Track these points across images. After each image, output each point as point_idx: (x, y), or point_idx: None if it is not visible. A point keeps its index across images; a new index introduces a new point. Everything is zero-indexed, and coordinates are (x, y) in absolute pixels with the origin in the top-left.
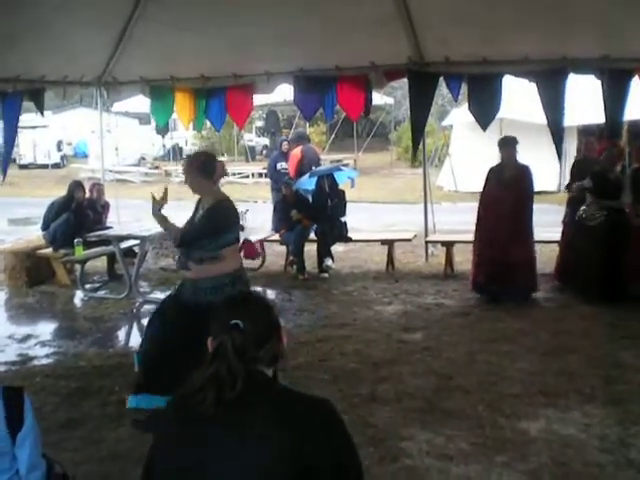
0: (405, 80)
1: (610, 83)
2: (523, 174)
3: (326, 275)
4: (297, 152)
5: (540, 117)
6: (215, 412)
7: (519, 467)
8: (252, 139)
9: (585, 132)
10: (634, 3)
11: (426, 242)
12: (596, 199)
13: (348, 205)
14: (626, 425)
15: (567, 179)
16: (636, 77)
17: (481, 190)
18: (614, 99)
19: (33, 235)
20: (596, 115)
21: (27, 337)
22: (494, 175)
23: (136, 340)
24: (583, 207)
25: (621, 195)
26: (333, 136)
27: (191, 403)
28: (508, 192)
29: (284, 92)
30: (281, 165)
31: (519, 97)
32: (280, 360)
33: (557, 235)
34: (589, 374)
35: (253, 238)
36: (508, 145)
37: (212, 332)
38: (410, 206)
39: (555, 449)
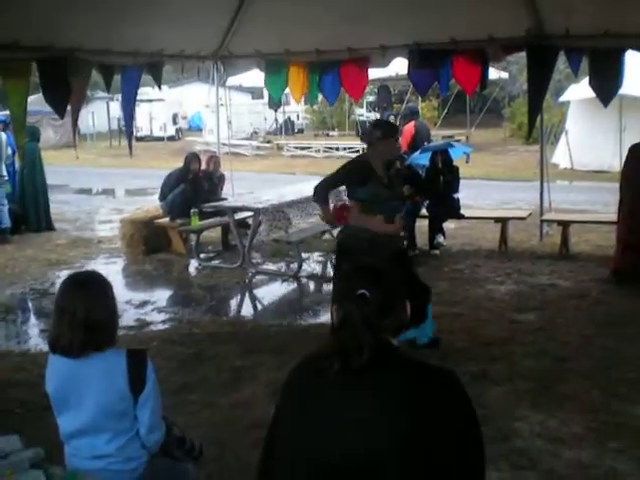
0: (521, 54)
1: None
2: None
3: (437, 252)
4: (410, 127)
5: None
6: (342, 379)
7: (634, 454)
8: (363, 114)
9: None
10: None
11: (541, 221)
12: None
13: (462, 182)
14: None
15: None
16: None
17: (622, 169)
18: None
19: (151, 205)
20: None
21: (144, 303)
22: (635, 153)
23: (248, 309)
24: None
25: None
26: (445, 111)
27: (318, 369)
28: None
29: (396, 66)
30: None
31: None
32: (405, 329)
33: None
34: None
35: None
36: None
37: (337, 299)
38: (524, 184)
39: None
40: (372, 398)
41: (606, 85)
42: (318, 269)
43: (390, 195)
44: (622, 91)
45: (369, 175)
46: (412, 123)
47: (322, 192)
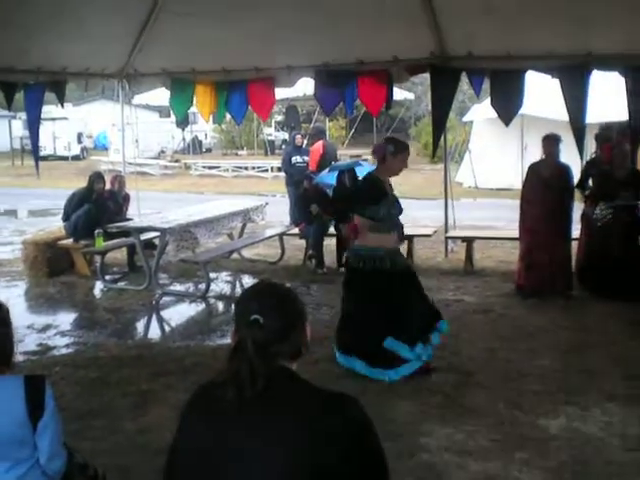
0: (425, 75)
1: (634, 80)
2: (563, 172)
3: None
4: (319, 146)
5: (562, 114)
6: (236, 409)
7: (539, 464)
8: (271, 133)
9: (602, 132)
10: None
11: (446, 238)
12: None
13: None
14: None
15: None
16: None
17: (522, 187)
18: (638, 97)
19: (54, 226)
20: (617, 113)
21: (47, 327)
22: (534, 172)
23: (155, 331)
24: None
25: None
26: (353, 131)
27: (214, 397)
28: (549, 191)
29: (303, 86)
30: (296, 159)
31: (541, 93)
32: (304, 352)
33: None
34: (609, 372)
35: (272, 232)
36: (550, 142)
37: (236, 324)
38: (430, 202)
39: (575, 447)
40: (269, 427)
41: (507, 105)
42: (227, 289)
43: (397, 212)
44: (523, 111)
45: (382, 193)
46: (320, 142)
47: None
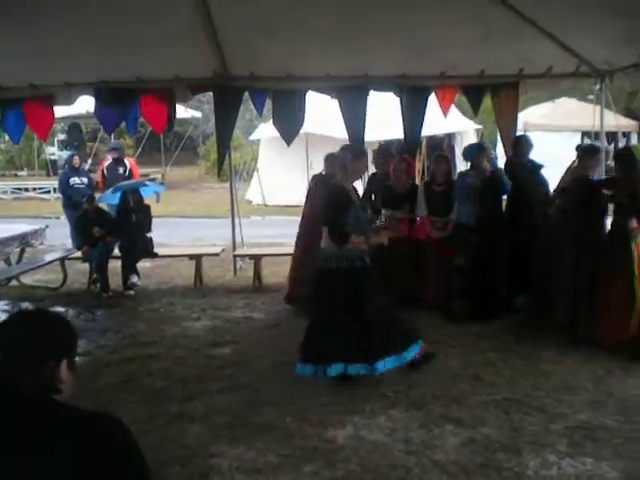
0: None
1: (409, 100)
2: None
3: (132, 292)
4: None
5: (343, 132)
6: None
7: (327, 475)
8: (54, 152)
9: (382, 148)
10: (430, 24)
11: (234, 256)
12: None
13: (155, 220)
14: (429, 427)
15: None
16: (432, 94)
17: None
18: (412, 115)
19: None
20: (395, 131)
21: None
22: (312, 192)
23: None
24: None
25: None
26: (140, 150)
27: None
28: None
29: (87, 104)
30: (74, 180)
31: (324, 112)
32: (62, 387)
33: None
34: (392, 379)
35: (53, 256)
36: (332, 162)
37: None
38: (219, 220)
39: (362, 455)
40: (32, 452)
41: (288, 124)
42: (3, 319)
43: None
44: (307, 129)
45: (348, 200)
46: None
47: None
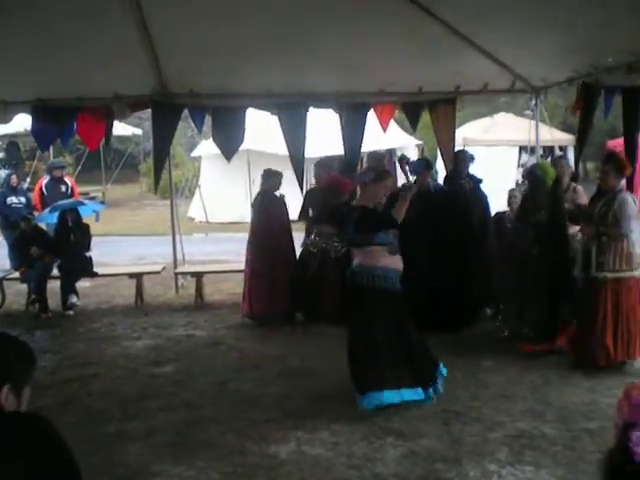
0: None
1: (348, 116)
2: (283, 204)
3: (71, 313)
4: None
5: (285, 149)
6: None
7: None
8: None
9: (322, 162)
10: (367, 40)
11: (175, 274)
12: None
13: (96, 239)
14: (371, 440)
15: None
16: (372, 110)
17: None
18: (352, 131)
19: None
20: (336, 147)
21: None
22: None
23: None
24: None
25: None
26: (80, 167)
27: None
28: (274, 221)
29: (24, 122)
30: (11, 200)
31: (265, 129)
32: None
33: None
34: (335, 394)
35: None
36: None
37: None
38: (160, 238)
39: (305, 470)
40: None
41: (228, 141)
42: None
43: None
44: (249, 146)
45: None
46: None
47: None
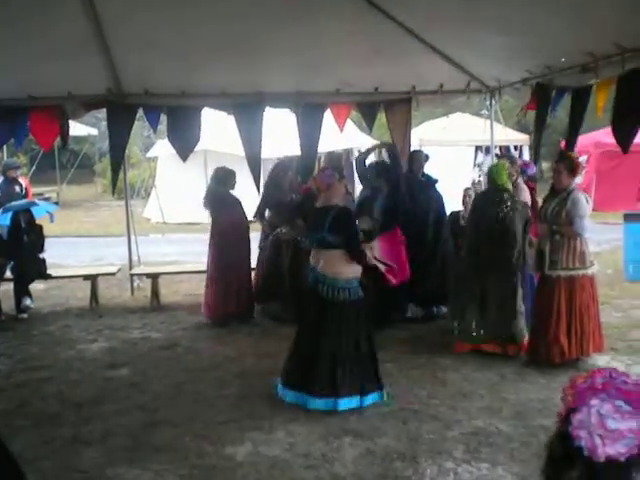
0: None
1: (304, 116)
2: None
3: (25, 315)
4: None
5: (242, 149)
6: None
7: None
8: None
9: (282, 163)
10: (321, 39)
11: (131, 275)
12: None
13: (51, 240)
14: (328, 440)
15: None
16: (328, 110)
17: None
18: (309, 131)
19: None
20: (293, 147)
21: None
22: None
23: None
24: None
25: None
26: (34, 168)
27: None
28: (237, 221)
29: None
30: None
31: (223, 129)
32: None
33: None
34: None
35: None
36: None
37: None
38: (116, 239)
39: (262, 471)
40: None
41: (183, 141)
42: None
43: None
44: (205, 146)
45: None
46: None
47: None
